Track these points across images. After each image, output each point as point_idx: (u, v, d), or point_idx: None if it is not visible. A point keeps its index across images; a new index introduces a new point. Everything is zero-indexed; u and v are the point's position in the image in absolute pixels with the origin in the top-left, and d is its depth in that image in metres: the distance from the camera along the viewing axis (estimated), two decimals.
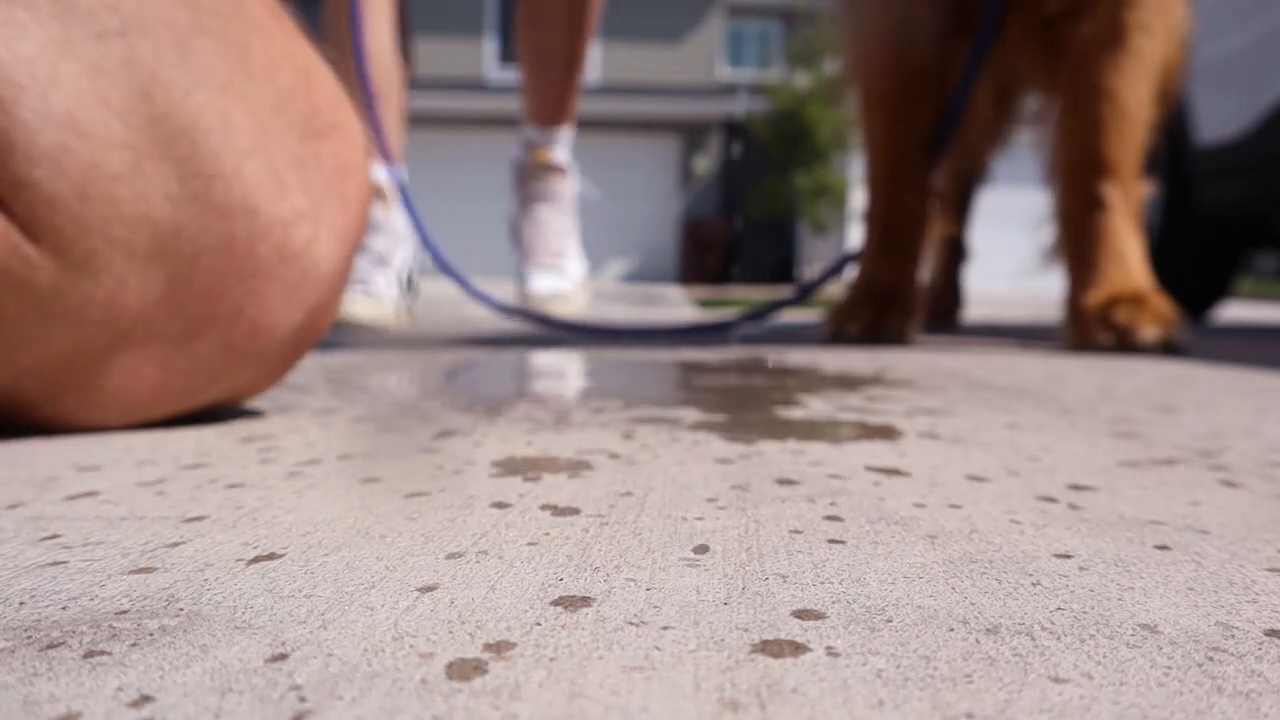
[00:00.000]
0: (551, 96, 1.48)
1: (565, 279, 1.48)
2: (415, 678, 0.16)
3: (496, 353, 0.97)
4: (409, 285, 1.45)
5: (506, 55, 10.03)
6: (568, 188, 1.53)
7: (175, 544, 0.24)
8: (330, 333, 1.12)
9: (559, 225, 1.51)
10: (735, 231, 8.97)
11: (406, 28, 1.44)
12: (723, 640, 0.18)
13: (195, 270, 0.39)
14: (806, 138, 8.04)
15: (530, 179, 1.51)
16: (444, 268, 1.31)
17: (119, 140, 0.36)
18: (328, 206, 0.44)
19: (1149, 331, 0.97)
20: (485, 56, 9.77)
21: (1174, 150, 1.96)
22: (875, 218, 1.18)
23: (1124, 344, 0.97)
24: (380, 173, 1.42)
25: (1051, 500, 0.31)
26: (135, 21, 0.37)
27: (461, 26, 9.39)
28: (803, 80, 8.26)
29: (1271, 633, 0.19)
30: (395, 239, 1.42)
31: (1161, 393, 0.63)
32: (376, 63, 1.37)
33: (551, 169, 1.51)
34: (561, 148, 1.53)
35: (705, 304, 4.29)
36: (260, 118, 0.41)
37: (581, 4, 1.45)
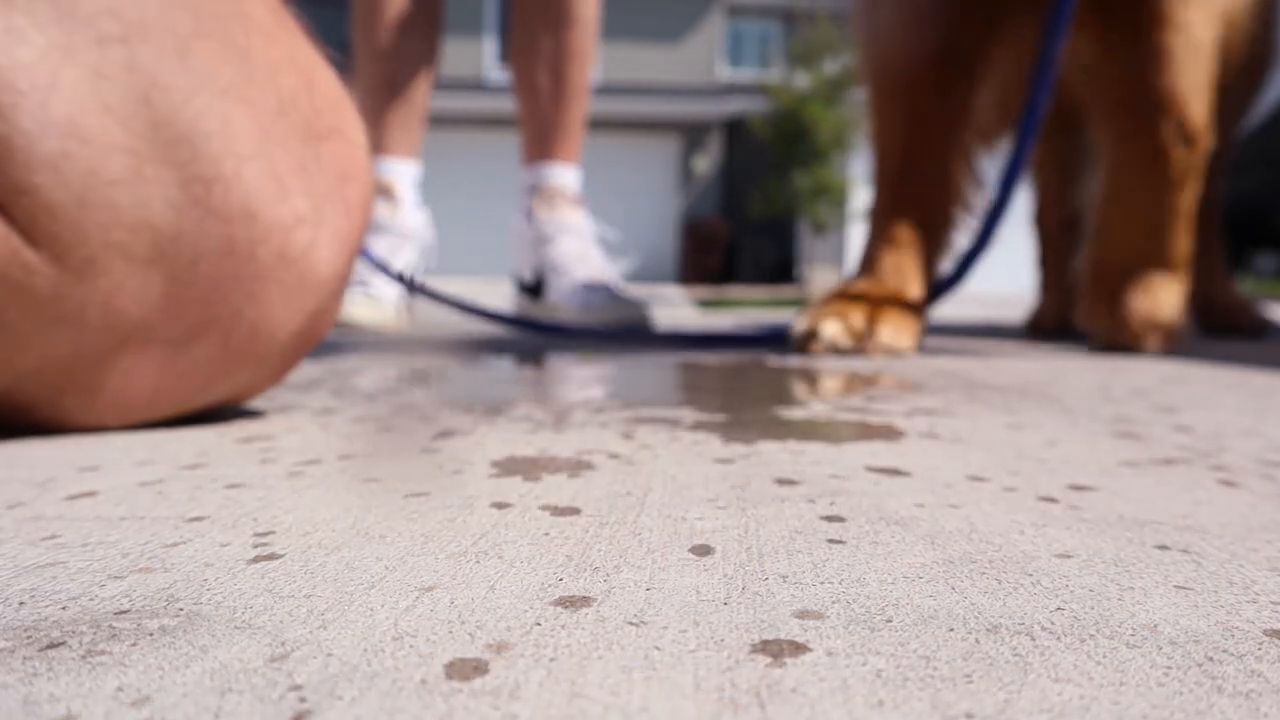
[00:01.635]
0: (554, 128, 1.46)
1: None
2: (415, 678, 0.16)
3: (496, 353, 0.97)
4: (411, 286, 1.44)
5: (506, 55, 10.01)
6: (586, 218, 1.50)
7: (175, 544, 0.24)
8: (330, 333, 1.12)
9: (592, 249, 1.48)
10: (735, 231, 8.98)
11: (437, 25, 1.42)
12: (722, 640, 0.18)
13: (195, 274, 0.39)
14: (806, 138, 8.04)
15: (545, 214, 1.47)
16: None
17: (119, 146, 0.36)
18: (329, 210, 0.44)
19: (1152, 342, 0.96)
20: (485, 56, 9.76)
21: None
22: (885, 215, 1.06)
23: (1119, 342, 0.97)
24: (389, 171, 1.41)
25: (1051, 500, 0.31)
26: (136, 26, 0.37)
27: (461, 26, 9.39)
28: (803, 80, 8.26)
29: (1271, 633, 0.19)
30: (400, 240, 1.41)
31: (1161, 393, 0.63)
32: (395, 57, 1.35)
33: (566, 198, 1.48)
34: (572, 178, 1.50)
35: (706, 304, 4.29)
36: (261, 121, 0.41)
37: (570, 30, 1.42)
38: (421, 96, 1.42)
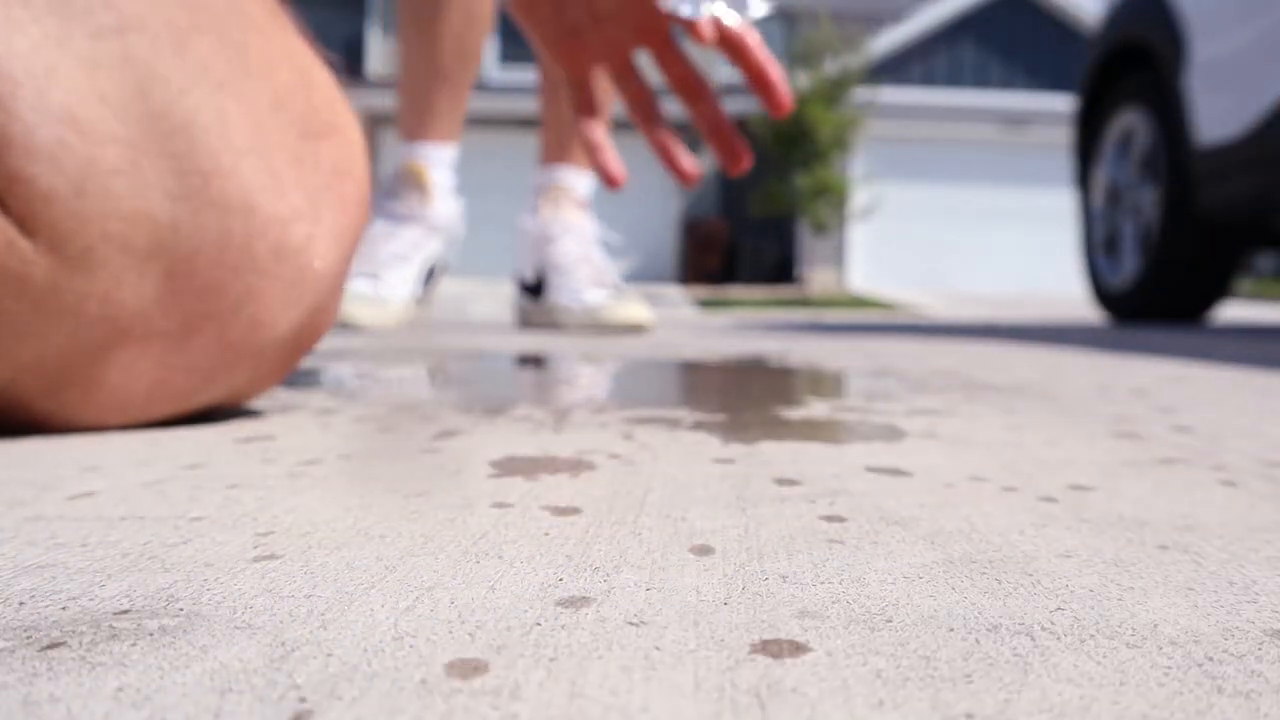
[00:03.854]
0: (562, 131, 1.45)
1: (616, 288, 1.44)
2: (415, 677, 0.16)
3: (496, 352, 0.97)
4: (429, 278, 1.42)
5: (507, 55, 10.05)
6: (591, 221, 1.49)
7: (175, 544, 0.24)
8: (330, 332, 1.12)
9: (594, 252, 1.47)
10: (735, 231, 8.99)
11: (490, 10, 1.41)
12: (723, 640, 0.18)
13: (193, 267, 0.39)
14: (806, 138, 8.04)
15: (550, 213, 1.47)
16: None
17: (116, 136, 0.36)
18: (325, 206, 0.44)
19: None
20: (487, 55, 9.77)
21: (1173, 150, 1.96)
22: None
23: None
24: (423, 156, 1.37)
25: (1051, 500, 0.31)
26: (133, 19, 0.37)
27: None
28: (803, 80, 8.26)
29: (1272, 633, 0.19)
30: (429, 231, 1.38)
31: (1161, 392, 0.63)
32: (453, 45, 1.34)
33: (572, 200, 1.47)
34: (582, 182, 1.49)
35: (706, 304, 4.29)
36: (258, 116, 0.41)
37: None
38: (467, 85, 1.39)
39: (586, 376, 0.73)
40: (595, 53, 0.62)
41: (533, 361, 0.87)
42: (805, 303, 6.45)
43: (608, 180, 0.68)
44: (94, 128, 0.36)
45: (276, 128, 0.42)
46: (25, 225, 0.35)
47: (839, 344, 1.21)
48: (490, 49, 9.87)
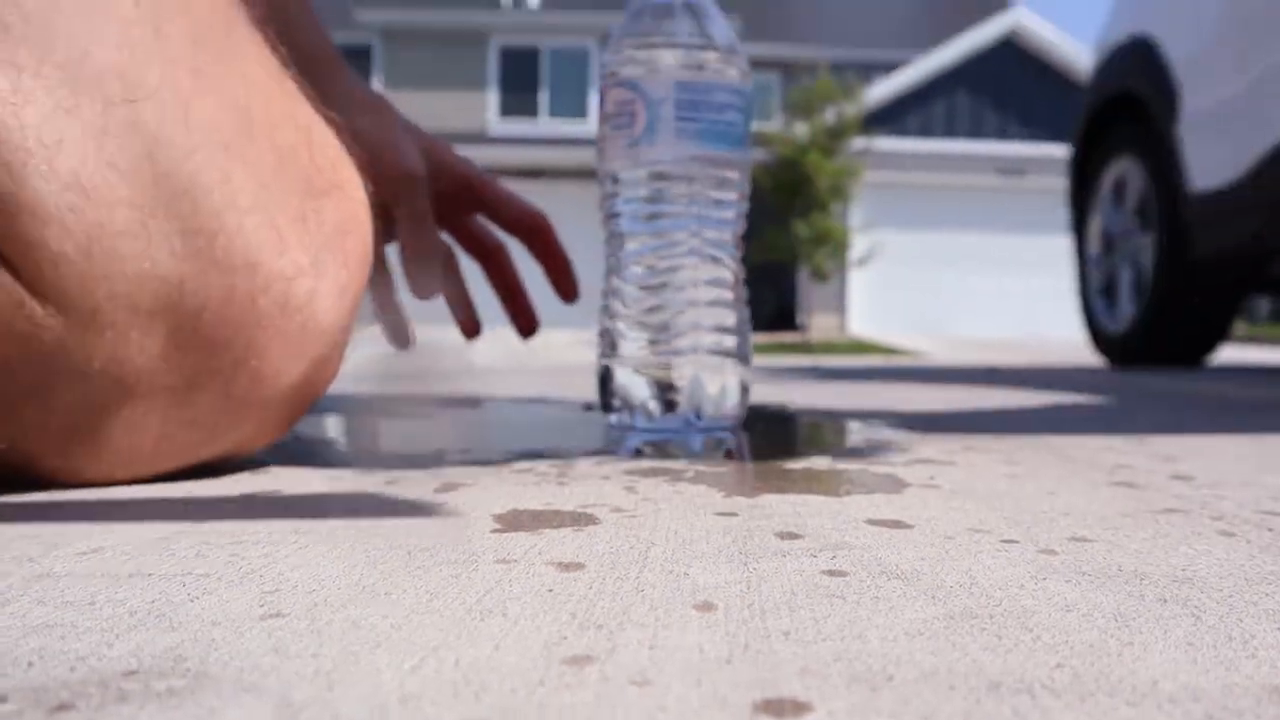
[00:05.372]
0: None
1: None
2: None
3: (496, 396, 0.98)
4: None
5: (507, 109, 10.24)
6: None
7: (182, 602, 0.25)
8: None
9: None
10: None
11: None
12: (725, 699, 0.18)
13: (197, 323, 0.40)
14: (806, 186, 8.12)
15: None
16: None
17: (124, 200, 0.37)
18: (329, 262, 0.45)
19: None
20: (488, 109, 9.96)
21: (1166, 198, 1.98)
22: None
23: None
24: None
25: (1051, 552, 0.31)
26: (139, 87, 0.38)
27: (465, 81, 9.60)
28: (801, 130, 8.36)
29: (1271, 689, 0.19)
30: None
31: (1160, 441, 0.63)
32: None
33: None
34: None
35: None
36: (261, 176, 0.42)
37: None
38: None
39: (587, 421, 0.73)
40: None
41: (533, 407, 0.88)
42: (806, 348, 6.47)
43: (467, 332, 0.72)
44: (102, 192, 0.37)
45: (279, 187, 0.43)
46: (36, 288, 0.36)
47: (839, 390, 1.21)
48: (491, 102, 10.03)
